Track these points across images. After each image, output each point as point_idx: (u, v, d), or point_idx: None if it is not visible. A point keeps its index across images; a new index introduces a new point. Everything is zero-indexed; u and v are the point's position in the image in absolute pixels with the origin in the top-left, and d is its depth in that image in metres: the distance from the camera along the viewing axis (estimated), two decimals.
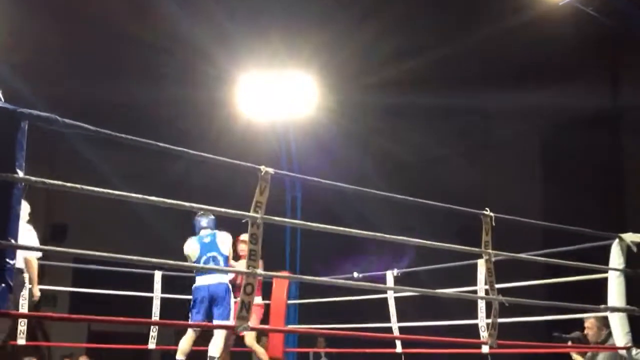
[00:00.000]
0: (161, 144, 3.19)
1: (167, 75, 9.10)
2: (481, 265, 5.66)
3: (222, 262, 5.35)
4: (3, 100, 2.80)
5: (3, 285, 2.73)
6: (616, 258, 5.02)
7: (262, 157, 4.27)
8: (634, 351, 4.86)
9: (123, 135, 3.05)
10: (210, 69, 8.56)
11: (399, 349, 6.59)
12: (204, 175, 10.14)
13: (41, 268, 5.98)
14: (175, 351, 6.09)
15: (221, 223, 5.59)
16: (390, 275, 6.51)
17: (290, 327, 7.06)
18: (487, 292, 4.39)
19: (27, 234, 4.77)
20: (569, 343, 5.33)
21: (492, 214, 4.23)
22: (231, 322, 5.05)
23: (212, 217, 5.64)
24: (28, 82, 7.86)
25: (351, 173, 10.50)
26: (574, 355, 5.42)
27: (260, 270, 3.32)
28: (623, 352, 4.92)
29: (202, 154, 3.36)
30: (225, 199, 4.11)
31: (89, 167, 9.71)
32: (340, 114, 9.49)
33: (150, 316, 6.57)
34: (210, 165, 3.93)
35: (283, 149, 8.45)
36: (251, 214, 3.32)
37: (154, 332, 6.77)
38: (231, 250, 5.61)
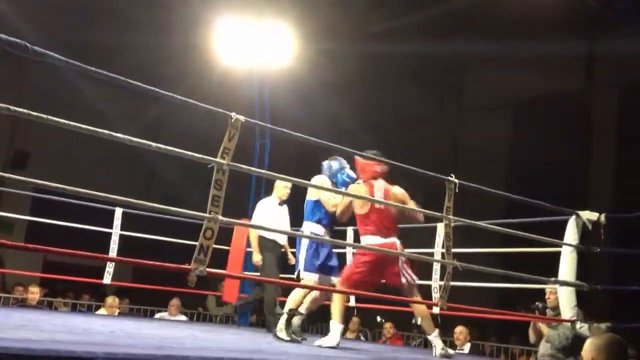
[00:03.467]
0: (132, 82, 3.14)
1: (140, 19, 8.89)
2: (440, 229, 5.77)
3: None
4: None
5: None
6: (571, 234, 5.15)
7: (238, 104, 4.22)
8: (577, 324, 5.03)
9: (93, 69, 2.99)
10: (185, 12, 8.38)
11: (352, 302, 6.71)
12: (179, 121, 10.01)
13: None
14: (130, 288, 6.10)
15: (192, 169, 5.49)
16: (350, 231, 6.57)
17: (247, 274, 7.12)
18: (443, 255, 4.48)
19: None
20: (536, 313, 5.51)
21: (456, 180, 4.28)
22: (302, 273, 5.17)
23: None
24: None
25: (328, 125, 10.48)
26: (539, 324, 5.60)
27: (220, 216, 3.32)
28: (569, 324, 5.10)
29: (175, 95, 3.32)
30: (200, 145, 4.08)
31: (62, 100, 9.52)
32: (318, 64, 9.39)
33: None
34: (185, 111, 3.86)
35: (256, 97, 8.35)
36: (218, 159, 3.31)
37: (109, 268, 6.81)
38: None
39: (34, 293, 7.59)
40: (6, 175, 3.01)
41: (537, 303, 5.52)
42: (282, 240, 6.36)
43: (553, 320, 5.32)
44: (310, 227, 5.22)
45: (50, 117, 2.88)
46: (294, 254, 5.77)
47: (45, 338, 3.13)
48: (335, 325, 4.69)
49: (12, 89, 10.49)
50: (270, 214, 6.21)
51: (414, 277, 4.85)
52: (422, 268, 5.45)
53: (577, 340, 5.10)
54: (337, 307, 4.74)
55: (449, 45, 9.88)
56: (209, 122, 4.05)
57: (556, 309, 5.40)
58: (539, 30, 10.02)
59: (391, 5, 9.89)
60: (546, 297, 5.57)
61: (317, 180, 5.16)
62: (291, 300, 5.08)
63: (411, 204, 4.83)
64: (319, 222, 5.22)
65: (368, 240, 4.78)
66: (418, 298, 4.83)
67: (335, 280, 5.06)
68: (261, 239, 6.20)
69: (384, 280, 4.81)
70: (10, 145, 12.05)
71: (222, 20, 7.52)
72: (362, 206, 4.81)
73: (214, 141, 3.54)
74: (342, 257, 6.13)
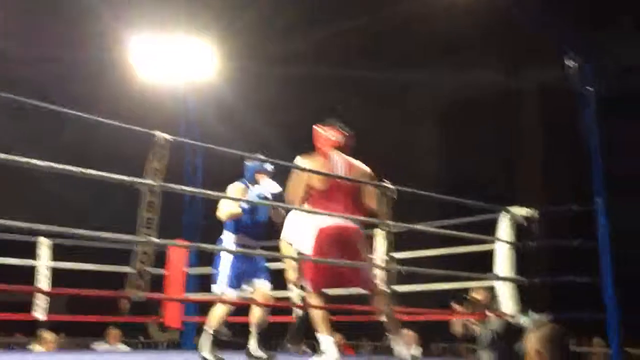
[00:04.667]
0: (50, 106, 3.02)
1: (51, 33, 8.60)
2: (379, 235, 5.78)
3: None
4: None
5: None
6: (504, 230, 5.27)
7: (163, 123, 4.13)
8: (520, 318, 5.14)
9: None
10: (99, 28, 8.16)
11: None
12: (101, 141, 9.72)
13: None
14: (64, 321, 5.85)
15: (117, 190, 5.34)
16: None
17: (189, 296, 6.96)
18: (385, 262, 4.48)
19: None
20: (467, 307, 5.56)
21: (392, 186, 4.30)
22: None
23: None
24: None
25: (254, 142, 10.42)
26: (470, 320, 5.66)
27: (155, 239, 3.23)
28: (510, 318, 5.20)
29: (95, 117, 3.21)
30: (124, 166, 3.97)
31: None
32: (241, 82, 9.35)
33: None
34: (107, 131, 3.74)
35: (183, 115, 8.22)
36: (148, 181, 3.22)
37: (40, 301, 6.49)
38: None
39: None
40: None
41: (465, 296, 5.60)
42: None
43: (497, 316, 5.40)
44: (225, 237, 4.91)
45: None
46: None
47: None
48: (326, 338, 3.99)
49: None
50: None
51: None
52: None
53: (513, 334, 5.21)
54: (318, 317, 4.04)
55: (372, 60, 10.04)
56: (135, 143, 3.94)
57: (484, 307, 5.53)
58: (462, 36, 10.28)
59: (309, 25, 9.96)
60: (472, 295, 5.64)
61: (229, 188, 4.89)
62: (212, 319, 4.80)
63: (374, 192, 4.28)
64: (233, 230, 4.88)
65: (322, 221, 4.11)
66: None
67: (263, 285, 4.85)
68: None
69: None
70: None
71: (140, 37, 7.38)
72: (320, 181, 4.10)
73: (141, 163, 3.46)
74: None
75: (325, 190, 4.10)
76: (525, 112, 11.81)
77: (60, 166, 3.03)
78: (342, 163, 4.27)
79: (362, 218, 4.21)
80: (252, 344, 4.79)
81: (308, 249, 4.22)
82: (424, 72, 10.94)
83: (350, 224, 4.12)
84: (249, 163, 4.93)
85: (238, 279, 4.82)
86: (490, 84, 10.99)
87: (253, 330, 4.82)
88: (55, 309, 7.22)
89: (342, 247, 4.06)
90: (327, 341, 3.98)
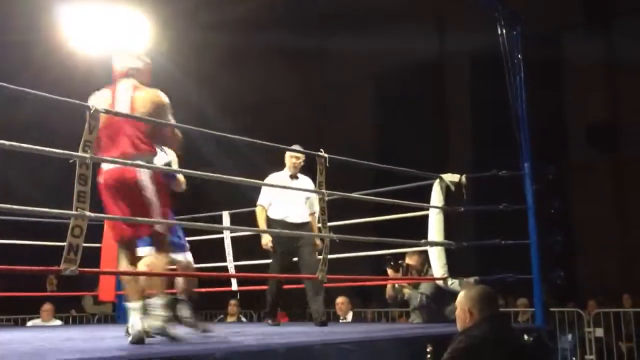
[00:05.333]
0: None
1: None
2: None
3: None
4: None
5: None
6: (436, 196, 5.45)
7: (85, 93, 4.02)
8: (449, 281, 5.34)
9: None
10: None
11: (234, 287, 6.71)
12: (29, 113, 9.38)
13: None
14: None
15: (50, 163, 5.20)
16: (226, 215, 6.55)
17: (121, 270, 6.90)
18: (319, 229, 4.57)
19: None
20: (399, 272, 5.73)
21: (326, 155, 4.37)
22: None
23: None
24: None
25: (190, 113, 10.29)
26: (402, 285, 5.83)
27: (88, 212, 3.20)
28: (440, 282, 5.40)
29: (24, 89, 3.13)
30: (54, 139, 3.87)
31: None
32: (177, 52, 9.19)
33: None
34: (36, 102, 3.62)
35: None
36: (80, 153, 3.18)
37: None
38: None
39: None
40: None
41: (400, 261, 5.78)
42: (296, 217, 5.46)
43: (428, 280, 5.60)
44: None
45: None
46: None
47: None
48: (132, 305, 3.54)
49: None
50: (278, 190, 5.38)
51: (183, 238, 4.60)
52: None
53: (443, 296, 5.43)
54: (124, 281, 3.78)
55: (306, 28, 10.02)
56: (64, 115, 3.85)
57: (417, 271, 5.73)
58: (390, 2, 10.37)
59: None
60: (406, 261, 5.82)
61: None
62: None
63: (171, 119, 3.73)
64: None
65: (104, 168, 3.59)
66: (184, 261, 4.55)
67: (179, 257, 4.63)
68: (268, 219, 5.46)
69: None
70: None
71: (73, 7, 7.13)
72: (101, 120, 3.33)
73: (71, 136, 3.38)
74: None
75: (104, 129, 3.46)
76: (454, 79, 12.06)
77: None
78: (125, 95, 3.63)
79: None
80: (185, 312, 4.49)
81: None
82: (355, 39, 11.00)
83: (128, 169, 3.53)
84: None
85: None
86: (420, 50, 11.15)
87: (183, 299, 4.58)
88: None
89: (118, 195, 3.58)
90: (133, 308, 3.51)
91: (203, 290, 7.45)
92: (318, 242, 5.26)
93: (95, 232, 6.17)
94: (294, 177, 5.53)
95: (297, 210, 5.46)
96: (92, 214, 3.24)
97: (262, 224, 5.45)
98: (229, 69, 11.35)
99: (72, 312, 8.87)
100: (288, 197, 5.39)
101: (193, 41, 9.41)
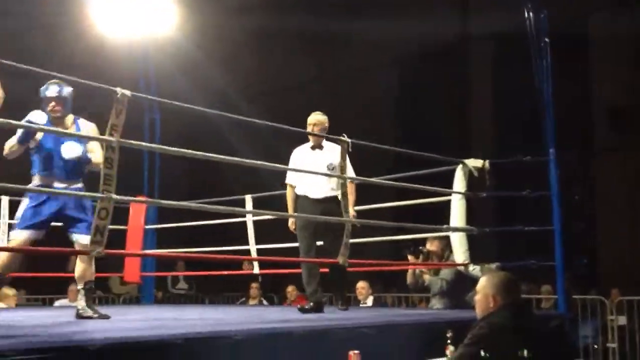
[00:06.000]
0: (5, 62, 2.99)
1: None
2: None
3: None
4: None
5: None
6: (459, 182, 5.44)
7: (121, 78, 4.07)
8: (470, 267, 5.34)
9: None
10: None
11: (256, 270, 6.78)
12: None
13: None
14: (26, 278, 5.69)
15: None
16: (249, 199, 6.59)
17: (147, 251, 7.01)
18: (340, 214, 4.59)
19: None
20: (420, 258, 5.72)
21: (349, 139, 4.39)
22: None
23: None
24: None
25: (212, 97, 10.36)
26: (422, 270, 5.84)
27: (114, 195, 3.26)
28: (461, 268, 5.40)
29: (54, 73, 3.20)
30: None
31: None
32: (201, 36, 9.23)
33: None
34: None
35: (141, 70, 8.09)
36: (106, 137, 3.24)
37: None
38: None
39: None
40: None
41: (420, 247, 5.76)
42: (318, 193, 5.02)
43: (450, 265, 5.61)
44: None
45: None
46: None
47: None
48: None
49: None
50: (301, 162, 5.08)
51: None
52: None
53: (463, 282, 5.44)
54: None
55: (326, 12, 9.98)
56: (91, 99, 3.92)
57: (438, 257, 5.71)
58: None
59: None
60: (427, 247, 5.80)
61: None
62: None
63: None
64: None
65: None
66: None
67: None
68: (297, 198, 5.11)
69: None
70: None
71: None
72: None
73: (98, 118, 3.46)
74: None
75: None
76: (477, 63, 11.96)
77: (15, 122, 3.04)
78: None
79: None
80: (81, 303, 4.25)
81: None
82: (375, 22, 10.94)
83: None
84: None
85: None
86: (442, 33, 11.06)
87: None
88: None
89: None
90: None
91: (225, 272, 7.59)
92: (352, 213, 4.86)
93: (120, 214, 6.28)
94: (316, 147, 5.10)
95: (318, 184, 4.99)
96: (118, 197, 3.31)
97: (289, 204, 5.15)
98: (251, 52, 11.37)
99: (98, 292, 9.01)
100: (308, 170, 4.98)
101: (217, 24, 9.43)
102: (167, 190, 7.45)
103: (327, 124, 5.12)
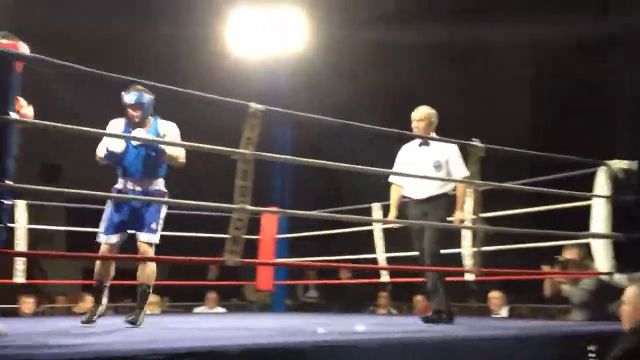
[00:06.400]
0: (148, 82, 3.20)
1: (152, 10, 8.85)
2: (468, 195, 5.75)
3: None
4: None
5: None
6: (601, 185, 5.10)
7: (252, 93, 4.24)
8: (616, 276, 5.01)
9: (114, 75, 3.04)
10: (199, 3, 8.34)
11: (385, 278, 6.73)
12: (192, 114, 9.95)
13: (34, 208, 6.04)
14: (169, 286, 5.96)
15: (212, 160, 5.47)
16: (376, 207, 6.56)
17: (279, 260, 7.19)
18: (473, 221, 4.47)
19: None
20: (557, 267, 5.46)
21: (481, 144, 4.26)
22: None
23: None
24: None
25: (340, 109, 10.46)
26: (560, 280, 5.56)
27: (248, 206, 3.37)
28: (604, 277, 5.09)
29: (191, 91, 3.37)
30: (215, 138, 4.11)
31: (74, 107, 9.58)
32: (330, 49, 9.36)
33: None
34: (198, 104, 3.91)
35: (272, 85, 8.35)
36: (242, 150, 3.35)
37: None
38: None
39: (27, 302, 7.54)
40: (40, 187, 3.09)
41: (556, 256, 5.47)
42: (421, 193, 4.69)
43: (592, 274, 5.30)
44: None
45: (73, 126, 2.95)
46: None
47: (95, 341, 3.21)
48: None
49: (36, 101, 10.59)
50: (406, 160, 4.82)
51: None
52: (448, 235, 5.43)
53: (607, 292, 5.10)
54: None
55: (459, 20, 9.78)
56: (222, 113, 4.10)
57: (577, 266, 5.38)
58: None
59: None
60: (564, 255, 5.48)
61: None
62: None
63: None
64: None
65: None
66: None
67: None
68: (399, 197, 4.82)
69: None
70: (41, 158, 12.14)
71: (236, 11, 7.51)
72: None
73: (230, 133, 3.60)
74: None
75: None
76: (620, 60, 11.29)
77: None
78: None
79: None
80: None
81: None
82: (509, 26, 10.60)
83: None
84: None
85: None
86: (581, 34, 10.53)
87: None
88: (160, 276, 7.58)
89: None
90: None
91: (354, 281, 7.62)
92: (458, 216, 4.60)
93: (253, 224, 6.49)
94: (423, 144, 4.76)
95: (422, 183, 4.65)
96: (253, 208, 3.41)
97: (391, 206, 4.84)
98: (380, 62, 11.36)
99: (233, 300, 9.38)
100: (412, 169, 4.69)
101: (345, 36, 9.52)
102: (298, 199, 7.61)
103: (434, 119, 4.77)
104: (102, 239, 4.18)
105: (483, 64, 12.59)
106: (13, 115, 2.76)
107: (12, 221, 5.52)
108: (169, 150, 4.16)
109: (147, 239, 4.16)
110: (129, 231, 4.22)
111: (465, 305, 9.41)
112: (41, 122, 2.92)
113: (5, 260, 5.69)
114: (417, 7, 10.01)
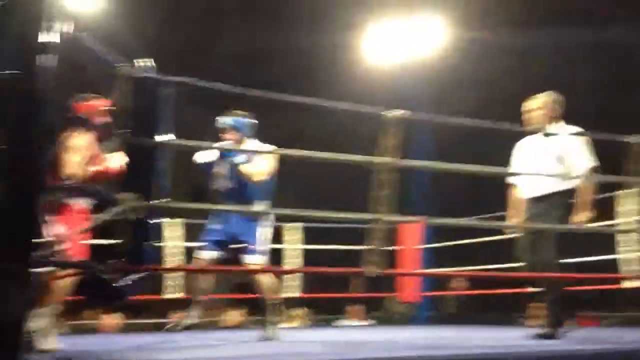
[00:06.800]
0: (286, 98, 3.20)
1: (291, 20, 8.95)
2: (626, 196, 5.31)
3: None
4: (154, 68, 2.91)
5: (149, 242, 2.88)
6: None
7: (386, 101, 4.15)
8: None
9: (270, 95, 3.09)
10: (341, 14, 8.38)
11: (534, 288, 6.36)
12: (320, 124, 10.00)
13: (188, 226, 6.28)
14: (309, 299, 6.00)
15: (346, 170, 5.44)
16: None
17: (419, 270, 7.01)
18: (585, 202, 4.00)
19: None
20: None
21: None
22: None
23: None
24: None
25: (476, 115, 10.09)
26: None
27: (386, 217, 3.28)
28: None
29: (328, 102, 3.35)
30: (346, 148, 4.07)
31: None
32: (467, 53, 9.08)
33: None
34: (329, 114, 3.91)
35: (404, 92, 8.23)
36: (380, 159, 3.27)
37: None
38: None
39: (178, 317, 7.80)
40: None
41: None
42: (535, 189, 4.23)
43: None
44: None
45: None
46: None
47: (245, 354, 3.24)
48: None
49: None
50: (521, 157, 4.39)
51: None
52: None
53: None
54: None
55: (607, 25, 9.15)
56: (355, 122, 4.06)
57: None
58: None
59: None
60: None
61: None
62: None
63: None
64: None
65: None
66: None
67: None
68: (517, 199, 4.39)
69: None
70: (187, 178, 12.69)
71: (375, 19, 7.50)
72: None
73: (363, 141, 3.53)
74: None
75: None
76: None
77: (307, 153, 3.25)
78: None
79: None
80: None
81: None
82: None
83: None
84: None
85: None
86: None
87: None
88: (301, 289, 7.67)
89: None
90: None
91: (504, 291, 7.26)
92: (579, 217, 4.01)
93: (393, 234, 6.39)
94: (543, 135, 4.21)
95: (538, 180, 4.15)
96: (392, 217, 3.31)
97: (510, 209, 4.42)
98: (518, 68, 10.90)
99: (376, 313, 9.26)
100: (530, 164, 4.23)
101: (483, 43, 9.20)
102: (443, 208, 7.42)
103: (556, 105, 4.23)
104: (202, 254, 4.39)
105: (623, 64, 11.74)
106: (163, 137, 2.86)
107: (161, 239, 5.79)
108: (244, 169, 4.29)
109: (250, 261, 4.32)
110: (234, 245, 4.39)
111: (625, 314, 8.72)
112: (188, 142, 3.00)
113: (158, 277, 5.96)
114: (552, 10, 9.47)
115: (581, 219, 4.00)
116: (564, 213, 4.02)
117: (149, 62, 2.93)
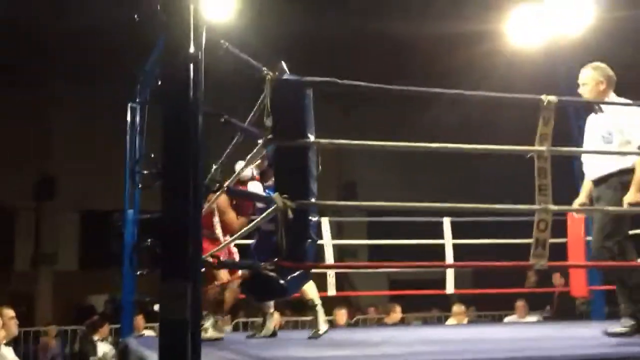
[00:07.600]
0: (434, 90, 3.18)
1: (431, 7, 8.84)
2: None
3: None
4: (287, 71, 3.02)
5: (309, 240, 2.97)
6: None
7: (532, 87, 3.92)
8: None
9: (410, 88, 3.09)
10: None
11: None
12: (456, 116, 9.66)
13: (338, 224, 6.44)
14: (474, 296, 5.95)
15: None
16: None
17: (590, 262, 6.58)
18: None
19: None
20: None
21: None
22: None
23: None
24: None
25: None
26: None
27: (551, 206, 3.12)
28: None
29: (480, 93, 3.28)
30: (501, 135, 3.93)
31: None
32: (619, 32, 8.43)
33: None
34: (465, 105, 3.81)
35: (559, 74, 7.78)
36: (537, 147, 3.14)
37: (449, 277, 6.79)
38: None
39: (341, 314, 7.91)
40: (345, 203, 3.25)
41: None
42: (591, 171, 3.96)
43: None
44: None
45: (374, 142, 3.05)
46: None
47: (404, 351, 3.26)
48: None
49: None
50: (586, 132, 4.14)
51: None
52: None
53: None
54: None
55: None
56: (500, 111, 3.91)
57: None
58: None
59: None
60: None
61: None
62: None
63: None
64: None
65: None
66: None
67: None
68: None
69: None
70: (339, 177, 13.06)
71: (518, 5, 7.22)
72: None
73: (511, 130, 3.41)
74: None
75: None
76: None
77: (465, 146, 3.21)
78: None
79: None
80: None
81: None
82: None
83: None
84: None
85: None
86: None
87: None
88: (461, 285, 7.55)
89: None
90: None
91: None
92: (629, 198, 3.61)
93: (559, 226, 6.07)
94: (598, 110, 3.89)
95: (591, 160, 3.88)
96: (556, 207, 3.17)
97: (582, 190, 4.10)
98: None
99: (547, 308, 8.88)
100: (586, 144, 3.96)
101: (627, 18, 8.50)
102: None
103: (601, 78, 3.86)
104: None
105: None
106: (311, 137, 2.95)
107: (320, 237, 5.94)
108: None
109: None
110: None
111: None
112: (337, 141, 3.06)
113: (318, 274, 6.12)
114: None
115: (630, 199, 3.62)
116: (618, 194, 3.65)
117: (283, 65, 3.03)
